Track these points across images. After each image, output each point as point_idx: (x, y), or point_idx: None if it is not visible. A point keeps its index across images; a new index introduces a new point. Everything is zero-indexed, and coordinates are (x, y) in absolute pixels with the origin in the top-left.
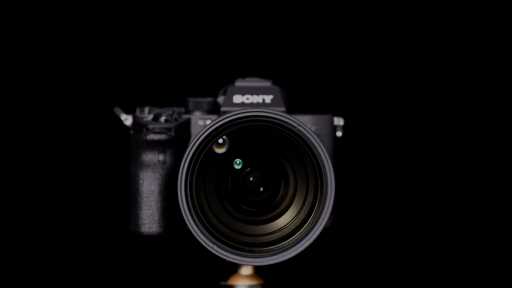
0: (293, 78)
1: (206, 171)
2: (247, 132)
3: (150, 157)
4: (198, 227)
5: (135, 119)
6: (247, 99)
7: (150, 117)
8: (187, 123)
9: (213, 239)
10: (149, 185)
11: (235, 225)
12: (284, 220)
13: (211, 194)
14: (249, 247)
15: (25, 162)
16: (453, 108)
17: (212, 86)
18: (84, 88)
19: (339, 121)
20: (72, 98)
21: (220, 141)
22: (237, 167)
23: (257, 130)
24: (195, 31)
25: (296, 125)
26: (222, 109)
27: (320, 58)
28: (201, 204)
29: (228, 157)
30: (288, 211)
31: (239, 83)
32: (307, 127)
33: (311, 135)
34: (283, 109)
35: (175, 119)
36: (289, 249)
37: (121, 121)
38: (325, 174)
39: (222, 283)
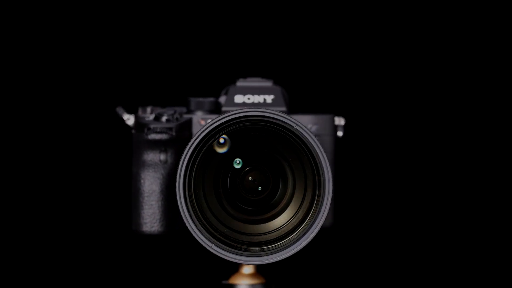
0: (294, 78)
1: (205, 170)
2: (246, 132)
3: (152, 156)
4: (196, 226)
5: (137, 118)
6: (248, 99)
7: (152, 117)
8: (189, 123)
9: (211, 238)
10: (150, 184)
11: (234, 224)
12: (283, 219)
13: (210, 193)
14: (247, 246)
15: (27, 161)
16: (453, 108)
17: (215, 86)
18: (88, 88)
19: (340, 121)
20: (75, 98)
21: (221, 140)
22: (237, 166)
23: (256, 129)
24: (197, 32)
25: (294, 124)
26: (223, 109)
27: (321, 58)
28: (200, 203)
29: (227, 157)
30: (287, 210)
31: (240, 83)
32: (305, 127)
33: (309, 135)
34: (284, 109)
35: (177, 119)
36: (287, 248)
37: (123, 120)
38: (323, 173)
39: (224, 282)
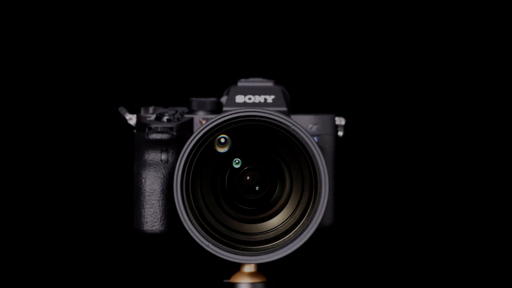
0: (296, 79)
1: (202, 169)
2: (244, 132)
3: (153, 156)
4: (194, 226)
5: (138, 118)
6: (249, 99)
7: (153, 116)
8: (190, 122)
9: (209, 237)
10: (151, 184)
11: (231, 223)
12: (280, 218)
13: (207, 192)
14: (244, 245)
15: (30, 161)
16: (454, 108)
17: (218, 86)
18: (91, 88)
19: (340, 121)
20: (79, 98)
21: (222, 140)
22: (236, 166)
23: (254, 129)
24: (201, 33)
25: (290, 125)
26: (224, 109)
27: (322, 58)
28: (198, 203)
29: (225, 156)
30: (284, 210)
31: (241, 83)
32: (302, 127)
33: (306, 135)
34: (284, 109)
35: (178, 118)
36: (284, 247)
37: (126, 120)
38: (320, 174)
39: (225, 280)
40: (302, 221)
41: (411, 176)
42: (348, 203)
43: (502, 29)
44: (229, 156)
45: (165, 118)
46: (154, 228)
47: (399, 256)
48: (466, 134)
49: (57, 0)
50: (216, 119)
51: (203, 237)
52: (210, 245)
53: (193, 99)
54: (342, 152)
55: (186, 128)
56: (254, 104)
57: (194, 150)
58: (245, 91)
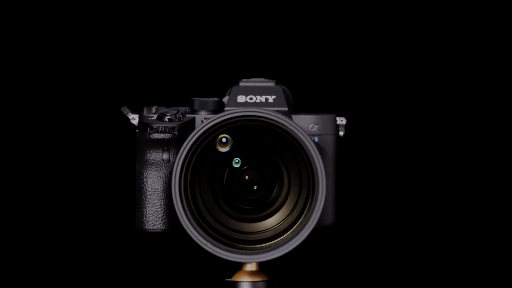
0: (297, 79)
1: (201, 169)
2: (242, 132)
3: (154, 155)
4: (192, 225)
5: (140, 118)
6: (250, 99)
7: (155, 116)
8: (192, 122)
9: (207, 236)
10: (153, 183)
11: (229, 222)
12: (278, 218)
13: (206, 192)
14: (242, 244)
15: (33, 160)
16: (454, 108)
17: (220, 86)
18: (94, 88)
19: (341, 121)
20: (82, 97)
21: (224, 140)
22: (236, 165)
23: (252, 129)
24: (204, 33)
25: (288, 125)
26: (226, 108)
27: (324, 58)
28: (196, 202)
29: (224, 156)
30: (282, 209)
31: (243, 83)
32: (299, 127)
33: (303, 135)
34: (285, 109)
35: (179, 118)
36: (282, 246)
37: (128, 120)
38: (317, 173)
39: (227, 279)
40: (300, 221)
41: (412, 175)
42: (349, 203)
43: (502, 29)
44: (228, 155)
45: (166, 118)
46: (155, 227)
47: (400, 255)
48: (466, 133)
49: (60, 0)
50: (214, 119)
51: (201, 236)
52: (208, 244)
53: (195, 99)
54: (343, 152)
55: (188, 128)
56: (255, 104)
57: (193, 149)
58: (247, 91)
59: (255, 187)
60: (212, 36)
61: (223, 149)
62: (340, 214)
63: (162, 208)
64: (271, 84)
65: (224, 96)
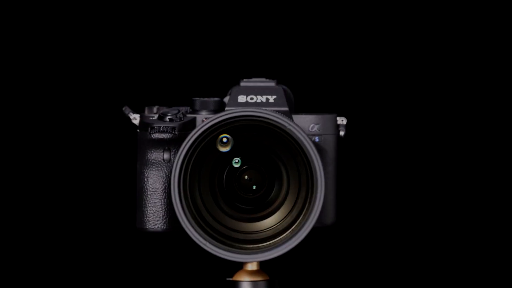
0: (297, 78)
1: (200, 169)
2: (242, 131)
3: (155, 155)
4: (191, 224)
5: (141, 118)
6: (251, 99)
7: (156, 116)
8: (192, 122)
9: (206, 236)
10: (153, 183)
11: (229, 222)
12: (277, 217)
13: (205, 191)
14: (241, 244)
15: (34, 159)
16: (455, 108)
17: (221, 86)
18: (96, 88)
19: (342, 121)
20: (84, 97)
21: (224, 140)
22: (236, 165)
23: (252, 129)
24: (204, 33)
25: (286, 124)
26: (227, 108)
27: (324, 58)
28: (195, 201)
29: (223, 156)
30: (281, 209)
31: (244, 83)
32: (298, 127)
33: (302, 135)
34: (285, 109)
35: (180, 118)
36: (281, 246)
37: (130, 120)
38: (316, 173)
39: (228, 279)
40: (299, 220)
41: (413, 175)
42: (349, 202)
43: (502, 29)
44: (228, 155)
45: (167, 118)
46: (156, 226)
47: (401, 255)
48: (467, 133)
49: (63, 0)
50: (214, 118)
51: (200, 235)
52: (208, 243)
53: (196, 99)
54: (343, 151)
55: (189, 127)
56: (256, 104)
57: (192, 149)
58: (247, 91)
59: (254, 187)
60: (213, 37)
61: (223, 149)
62: (341, 214)
63: (163, 208)
64: (271, 84)
65: (225, 96)
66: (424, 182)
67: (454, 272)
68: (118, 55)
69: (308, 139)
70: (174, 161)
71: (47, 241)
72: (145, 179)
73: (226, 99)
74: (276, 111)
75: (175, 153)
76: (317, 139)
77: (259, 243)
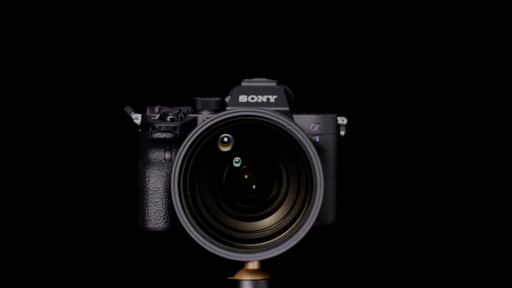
0: (298, 78)
1: (201, 168)
2: (242, 131)
3: (156, 155)
4: (191, 223)
5: (143, 118)
6: (252, 98)
7: (157, 116)
8: (193, 122)
9: (206, 235)
10: (155, 182)
11: (229, 221)
12: (277, 217)
13: (205, 191)
14: (241, 243)
15: (36, 159)
16: (455, 108)
17: (223, 86)
18: (98, 88)
19: (342, 120)
20: (86, 97)
21: (225, 139)
22: (236, 165)
23: (252, 129)
24: (206, 33)
25: (286, 124)
26: (227, 108)
27: (325, 58)
28: (195, 201)
29: (224, 155)
30: (281, 208)
31: (245, 83)
32: (297, 126)
33: (301, 135)
34: (286, 108)
35: (181, 118)
36: (280, 245)
37: (131, 119)
38: (315, 173)
39: (229, 278)
40: (298, 220)
41: (413, 175)
42: (350, 202)
43: (502, 29)
44: (228, 155)
45: (168, 118)
46: (157, 225)
47: (401, 254)
48: (467, 133)
49: (64, 1)
50: (214, 118)
51: (200, 234)
52: (207, 242)
53: (197, 98)
54: (344, 151)
55: (190, 127)
56: (257, 104)
57: (192, 148)
58: (248, 91)
59: (254, 186)
60: (215, 37)
61: (224, 149)
62: (341, 213)
63: (164, 207)
64: (272, 84)
65: (226, 96)
66: (425, 182)
67: (454, 272)
68: (120, 55)
69: (308, 140)
70: (174, 161)
71: (48, 240)
72: (147, 179)
73: (227, 99)
74: (277, 111)
75: (176, 153)
76: (317, 138)
77: (259, 242)
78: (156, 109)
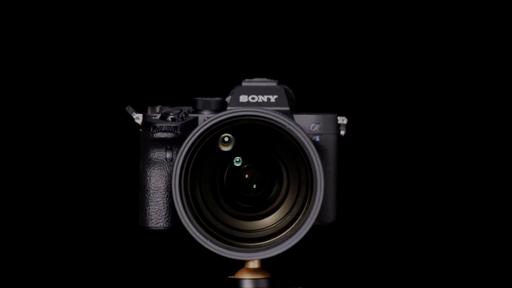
0: (299, 78)
1: (201, 168)
2: (242, 131)
3: (157, 154)
4: (192, 223)
5: (144, 117)
6: (253, 98)
7: (158, 116)
8: (194, 121)
9: (207, 234)
10: (156, 181)
11: (229, 220)
12: (277, 216)
13: (206, 190)
14: (242, 242)
15: (38, 158)
16: (456, 108)
17: (224, 86)
18: (100, 88)
19: (343, 120)
20: (87, 97)
21: (226, 139)
22: (237, 164)
23: (253, 129)
24: (207, 33)
25: (286, 124)
26: (228, 108)
27: (325, 58)
28: (196, 200)
29: (224, 155)
30: (281, 207)
31: (245, 83)
32: (298, 126)
33: (301, 135)
34: (286, 108)
35: (182, 118)
36: (281, 244)
37: (133, 119)
38: (315, 172)
39: (230, 276)
40: (299, 219)
41: (413, 174)
42: (350, 201)
43: (502, 29)
44: (229, 154)
45: (169, 117)
46: (158, 225)
47: (401, 253)
48: (467, 133)
49: (66, 1)
50: (214, 118)
51: (201, 234)
52: (208, 242)
53: (198, 98)
54: (344, 151)
55: (191, 127)
56: (257, 104)
57: (193, 148)
58: (249, 91)
59: (254, 186)
60: (216, 37)
61: (225, 148)
62: (342, 212)
63: (165, 206)
64: (273, 84)
65: (227, 95)
66: (425, 181)
67: (454, 272)
68: (121, 55)
69: (308, 139)
70: (175, 160)
71: (50, 239)
72: (148, 178)
73: (228, 99)
74: (277, 110)
75: (177, 152)
76: (318, 138)
77: (260, 241)
78: (157, 109)
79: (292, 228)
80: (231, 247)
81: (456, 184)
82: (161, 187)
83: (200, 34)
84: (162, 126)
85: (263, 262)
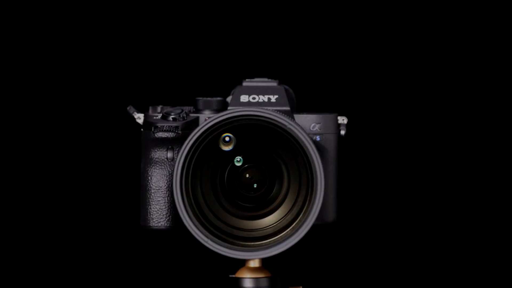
0: (299, 78)
1: (202, 167)
2: (243, 130)
3: (159, 154)
4: (193, 222)
5: (145, 117)
6: (253, 98)
7: (160, 115)
8: (195, 121)
9: (207, 233)
10: (157, 181)
11: (230, 220)
12: (278, 215)
13: (207, 190)
14: (243, 241)
15: (39, 158)
16: (456, 108)
17: (224, 86)
18: (101, 88)
19: (343, 120)
20: (89, 97)
21: (227, 139)
22: (238, 164)
23: (253, 128)
24: (208, 34)
25: (286, 123)
26: (229, 108)
27: (325, 58)
28: (197, 200)
29: (225, 154)
30: (282, 207)
31: (246, 83)
32: (298, 126)
33: (302, 134)
34: (287, 108)
35: (183, 117)
36: (281, 243)
37: (134, 119)
38: (316, 172)
39: (231, 275)
40: (299, 218)
41: (413, 174)
42: (350, 201)
43: (502, 29)
44: (229, 154)
45: (171, 117)
46: (160, 224)
47: (401, 252)
48: (467, 133)
49: (67, 0)
50: (215, 118)
51: (202, 233)
52: (209, 241)
53: (199, 98)
54: (344, 150)
55: (192, 127)
56: (258, 104)
57: (194, 147)
58: (250, 91)
59: (255, 185)
60: (217, 37)
61: (226, 148)
62: (342, 212)
63: (166, 206)
64: (273, 84)
65: (228, 95)
66: (425, 181)
67: (454, 271)
68: (122, 55)
69: (308, 139)
70: (176, 160)
71: (51, 238)
72: (149, 178)
73: (228, 99)
74: (278, 110)
75: (178, 152)
76: (318, 138)
77: (260, 241)
78: (158, 108)
79: (292, 227)
80: (232, 246)
81: (456, 183)
82: (162, 186)
83: (201, 35)
84: (163, 126)
85: (263, 261)
